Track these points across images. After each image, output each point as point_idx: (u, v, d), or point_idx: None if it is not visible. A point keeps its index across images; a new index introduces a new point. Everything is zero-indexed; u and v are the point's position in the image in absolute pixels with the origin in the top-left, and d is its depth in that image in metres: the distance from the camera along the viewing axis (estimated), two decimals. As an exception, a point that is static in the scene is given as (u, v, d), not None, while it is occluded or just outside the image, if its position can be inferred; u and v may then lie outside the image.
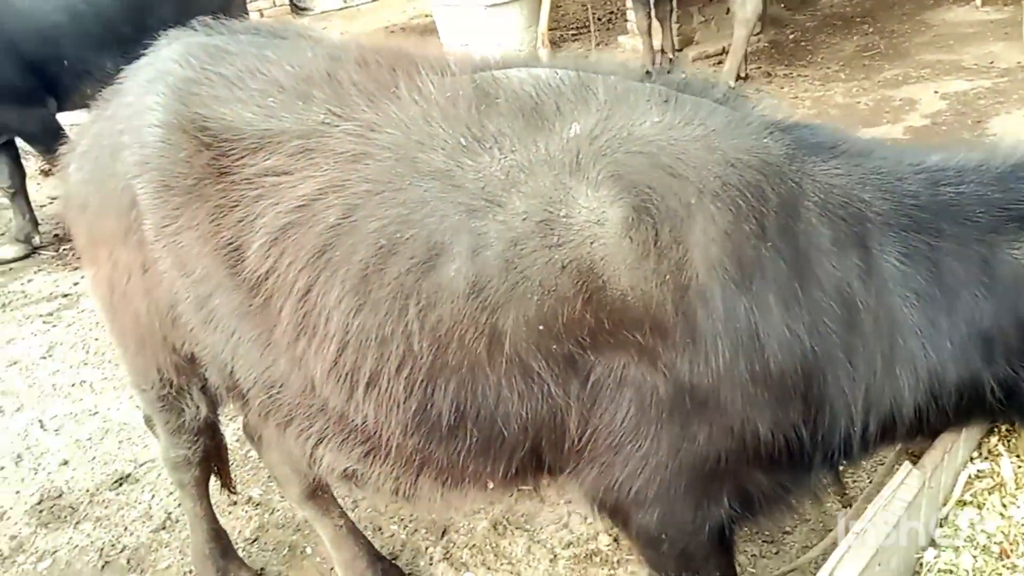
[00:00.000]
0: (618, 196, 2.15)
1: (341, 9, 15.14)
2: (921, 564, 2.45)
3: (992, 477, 2.65)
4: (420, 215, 2.20)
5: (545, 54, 10.51)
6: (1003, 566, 2.41)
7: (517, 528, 4.02)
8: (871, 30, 10.93)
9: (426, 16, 13.41)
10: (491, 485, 2.61)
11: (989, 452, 2.74)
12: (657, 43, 10.27)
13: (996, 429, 2.78)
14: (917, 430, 2.40)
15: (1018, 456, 2.68)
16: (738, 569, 2.95)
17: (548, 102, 2.29)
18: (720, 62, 10.68)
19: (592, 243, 2.13)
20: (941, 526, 2.56)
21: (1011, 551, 2.46)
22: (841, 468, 2.60)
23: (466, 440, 2.39)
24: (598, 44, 11.92)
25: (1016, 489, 2.59)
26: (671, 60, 10.55)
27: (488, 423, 2.34)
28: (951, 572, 2.42)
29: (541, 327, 2.19)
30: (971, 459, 2.72)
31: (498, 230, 2.15)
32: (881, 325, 2.26)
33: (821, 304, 2.24)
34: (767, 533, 3.70)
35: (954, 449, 2.60)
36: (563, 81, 2.35)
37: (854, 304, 2.26)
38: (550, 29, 10.21)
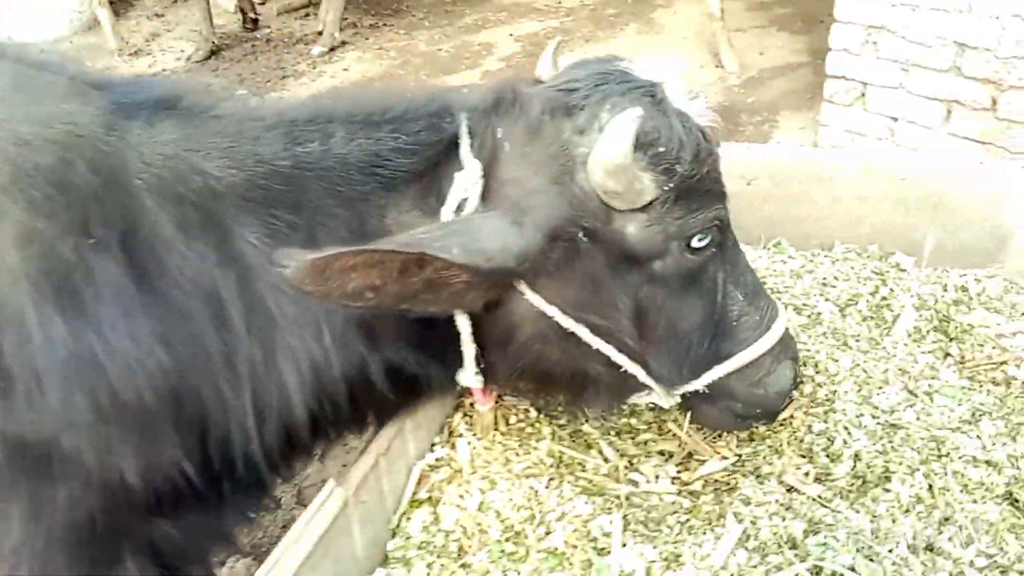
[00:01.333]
0: None
1: None
2: (371, 587, 2.08)
3: (450, 464, 2.35)
4: None
5: (105, 14, 9.20)
6: (460, 566, 2.11)
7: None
8: (454, -24, 10.90)
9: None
10: None
11: (451, 434, 2.44)
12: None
13: (461, 405, 2.50)
14: (324, 431, 2.02)
15: (475, 435, 2.40)
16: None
17: None
18: (307, 15, 10.03)
19: None
20: (395, 536, 2.20)
21: (468, 547, 2.16)
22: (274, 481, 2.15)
23: None
24: (174, 1, 10.69)
25: (472, 474, 2.30)
26: (255, 18, 9.72)
27: None
28: (403, 589, 2.09)
29: None
30: (432, 447, 2.40)
31: None
32: (254, 318, 1.84)
33: (178, 305, 1.79)
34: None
35: (402, 441, 2.25)
36: None
37: (219, 298, 1.82)
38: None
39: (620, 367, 1.98)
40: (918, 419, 2.33)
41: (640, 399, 2.19)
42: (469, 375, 2.02)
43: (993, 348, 2.71)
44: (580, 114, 1.82)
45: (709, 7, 7.10)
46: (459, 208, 1.86)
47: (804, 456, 2.27)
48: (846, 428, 2.30)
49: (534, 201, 1.81)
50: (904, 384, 2.46)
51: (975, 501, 2.10)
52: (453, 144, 1.92)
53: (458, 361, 2.00)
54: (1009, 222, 3.01)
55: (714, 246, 1.97)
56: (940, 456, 2.21)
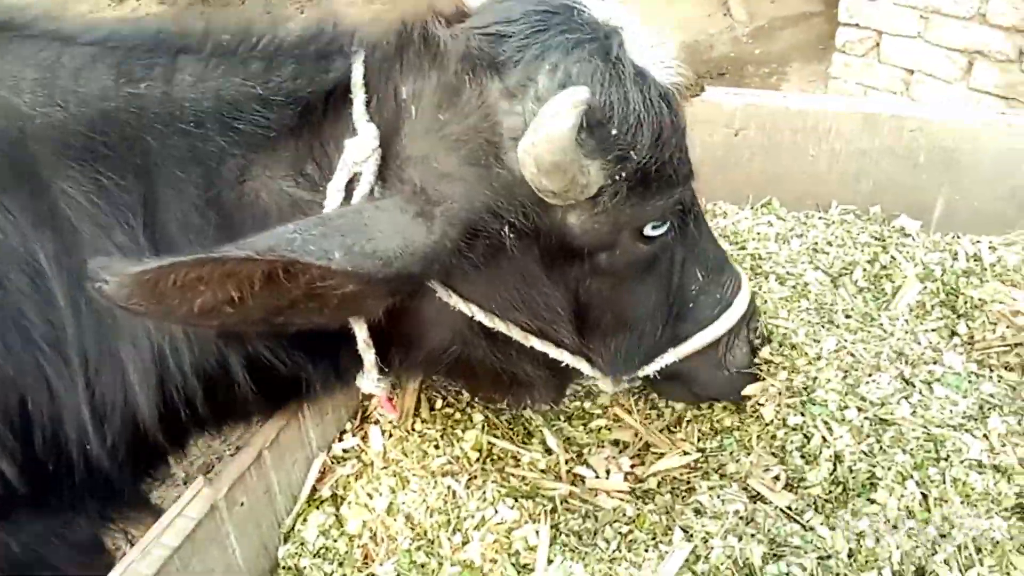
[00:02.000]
0: None
1: None
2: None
3: (360, 457, 2.01)
4: None
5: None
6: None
7: None
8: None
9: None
10: None
11: (364, 420, 2.10)
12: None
13: (380, 386, 2.15)
14: (184, 430, 1.67)
15: (392, 422, 2.06)
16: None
17: None
18: (297, -40, 9.54)
19: None
20: (287, 541, 1.87)
21: (375, 555, 1.83)
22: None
23: None
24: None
25: (383, 469, 1.96)
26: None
27: None
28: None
29: None
30: (341, 435, 2.06)
31: None
32: (83, 295, 1.49)
33: None
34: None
35: (299, 429, 1.91)
36: None
37: (37, 268, 1.45)
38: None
39: (560, 363, 1.67)
40: (913, 414, 1.95)
41: (583, 382, 1.85)
42: (369, 382, 1.67)
43: (1008, 328, 2.33)
44: (511, 72, 1.41)
45: (717, -48, 6.61)
46: (349, 185, 1.47)
47: (775, 455, 1.91)
48: (826, 423, 1.93)
49: (447, 188, 1.41)
50: (899, 371, 2.08)
51: (978, 515, 1.74)
52: (343, 95, 1.51)
53: (356, 363, 1.65)
54: (1033, 182, 2.61)
55: (673, 230, 1.61)
56: (938, 460, 1.84)
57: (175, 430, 1.62)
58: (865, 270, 2.53)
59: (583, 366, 1.70)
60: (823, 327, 2.23)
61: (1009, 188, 2.64)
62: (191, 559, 1.62)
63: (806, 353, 2.10)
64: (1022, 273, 2.53)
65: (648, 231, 1.54)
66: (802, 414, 1.96)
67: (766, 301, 2.33)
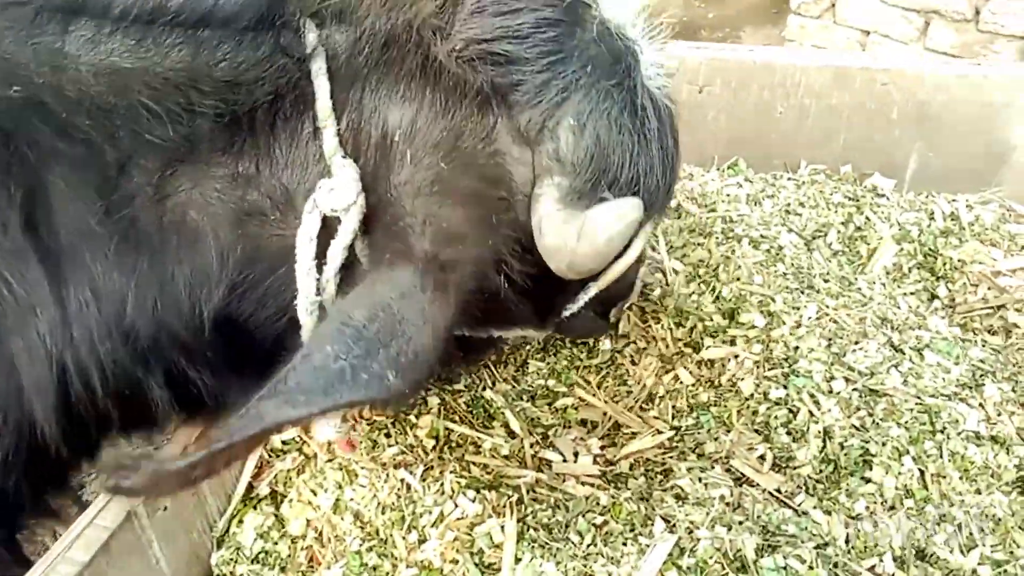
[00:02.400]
0: None
1: None
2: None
3: (302, 450, 1.80)
4: None
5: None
6: (311, 583, 1.58)
7: None
8: None
9: None
10: None
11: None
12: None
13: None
14: (84, 445, 1.44)
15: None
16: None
17: None
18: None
19: None
20: (221, 546, 1.66)
21: (321, 558, 1.63)
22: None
23: None
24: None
25: (328, 462, 1.76)
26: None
27: None
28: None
29: None
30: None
31: None
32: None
33: None
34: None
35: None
36: None
37: None
38: None
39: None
40: (905, 383, 1.81)
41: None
42: (328, 428, 1.46)
43: (989, 289, 2.21)
44: (524, 111, 1.18)
45: (666, -88, 6.42)
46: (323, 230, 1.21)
47: (759, 433, 1.76)
48: (812, 396, 1.78)
49: (458, 253, 1.16)
50: (888, 338, 1.94)
51: (978, 491, 1.61)
52: (297, 102, 1.20)
53: None
54: (1009, 138, 2.49)
55: None
56: (934, 432, 1.70)
57: (82, 442, 1.40)
58: (839, 232, 2.39)
59: (531, 332, 1.59)
60: (802, 292, 2.07)
61: (984, 143, 2.52)
62: (107, 574, 1.40)
63: (784, 322, 1.95)
64: (1000, 232, 2.41)
65: None
66: (785, 387, 1.81)
67: (739, 267, 2.17)
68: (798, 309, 2.02)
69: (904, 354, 1.89)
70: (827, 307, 2.01)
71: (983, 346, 2.03)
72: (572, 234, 1.15)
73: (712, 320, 2.01)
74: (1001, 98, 2.47)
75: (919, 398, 1.76)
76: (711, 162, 2.74)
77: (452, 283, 1.14)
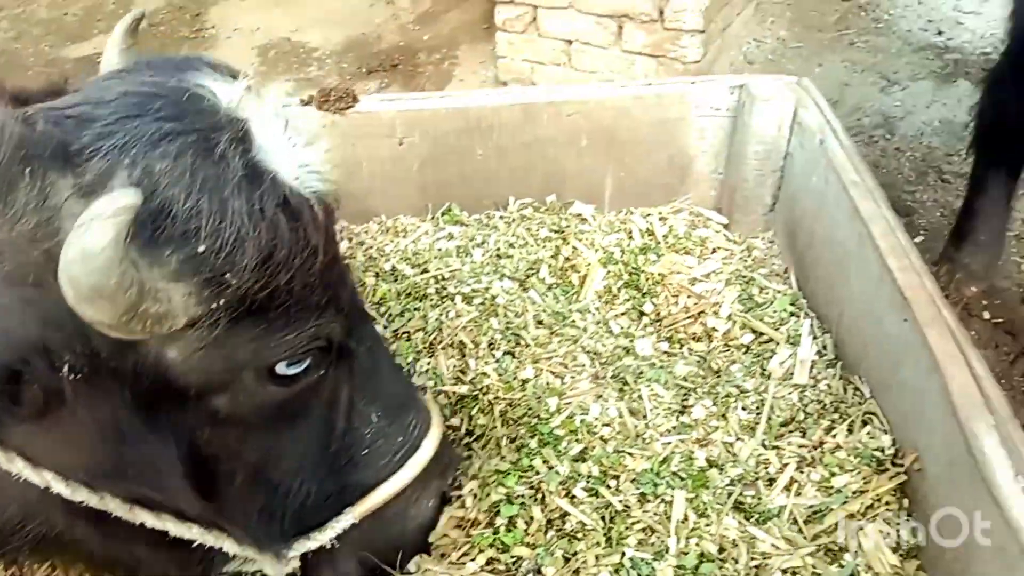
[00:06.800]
0: None
1: None
2: None
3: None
4: None
5: None
6: None
7: None
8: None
9: None
10: None
11: None
12: None
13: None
14: None
15: None
16: None
17: None
18: None
19: None
20: None
21: None
22: None
23: None
24: None
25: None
26: None
27: None
28: None
29: None
30: None
31: None
32: None
33: None
34: None
35: None
36: None
37: None
38: None
39: (190, 541, 1.32)
40: (621, 416, 1.90)
41: (245, 567, 1.53)
42: None
43: (688, 298, 2.38)
44: (86, 167, 1.09)
45: (366, -62, 6.41)
46: None
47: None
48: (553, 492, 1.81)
49: None
50: (594, 372, 2.03)
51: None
52: None
53: None
54: (687, 149, 2.69)
55: (323, 367, 1.34)
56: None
57: None
58: (551, 266, 2.48)
59: (225, 543, 1.37)
60: (513, 355, 2.11)
61: (667, 157, 2.71)
62: None
63: (511, 385, 1.98)
64: (692, 239, 2.60)
65: (281, 370, 1.26)
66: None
67: (454, 332, 2.18)
68: (508, 370, 2.06)
69: (625, 390, 1.98)
70: (541, 358, 2.07)
71: (689, 353, 2.18)
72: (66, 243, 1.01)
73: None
74: (675, 113, 2.65)
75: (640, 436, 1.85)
76: (426, 211, 2.74)
77: None
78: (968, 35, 5.64)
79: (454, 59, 6.02)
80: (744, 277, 2.43)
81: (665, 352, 2.23)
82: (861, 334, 2.02)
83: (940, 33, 5.71)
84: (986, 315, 3.75)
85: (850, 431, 1.90)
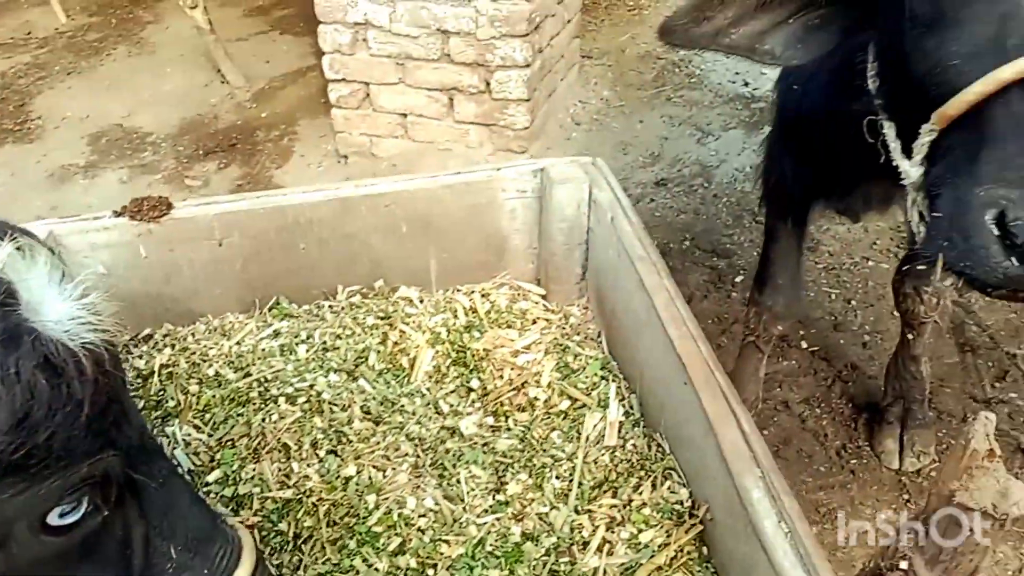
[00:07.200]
0: None
1: None
2: None
3: None
4: None
5: None
6: None
7: None
8: None
9: None
10: None
11: None
12: None
13: None
14: None
15: None
16: None
17: None
18: None
19: None
20: None
21: None
22: None
23: None
24: None
25: None
26: None
27: None
28: None
29: None
30: None
31: None
32: None
33: None
34: None
35: None
36: None
37: None
38: None
39: None
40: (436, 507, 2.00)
41: None
42: None
43: (512, 370, 2.52)
44: None
45: (196, 20, 6.39)
46: None
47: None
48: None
49: None
50: (416, 460, 2.12)
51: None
52: None
53: None
54: (501, 229, 2.85)
55: (105, 509, 1.32)
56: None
57: None
58: (379, 352, 2.56)
59: None
60: (336, 453, 2.18)
61: (484, 238, 2.86)
62: None
63: (333, 485, 2.05)
64: (514, 312, 2.76)
65: (55, 520, 1.24)
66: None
67: (278, 435, 2.23)
68: (331, 470, 2.13)
69: (444, 476, 2.08)
70: (363, 462, 2.14)
71: (511, 428, 2.31)
72: None
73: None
74: (485, 198, 2.81)
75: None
76: (254, 306, 2.78)
77: None
78: (771, 84, 6.16)
79: (294, 135, 6.06)
80: (561, 345, 2.59)
81: (491, 427, 2.35)
82: (657, 395, 2.21)
83: (747, 84, 6.21)
84: (803, 344, 4.11)
85: (654, 487, 2.07)
